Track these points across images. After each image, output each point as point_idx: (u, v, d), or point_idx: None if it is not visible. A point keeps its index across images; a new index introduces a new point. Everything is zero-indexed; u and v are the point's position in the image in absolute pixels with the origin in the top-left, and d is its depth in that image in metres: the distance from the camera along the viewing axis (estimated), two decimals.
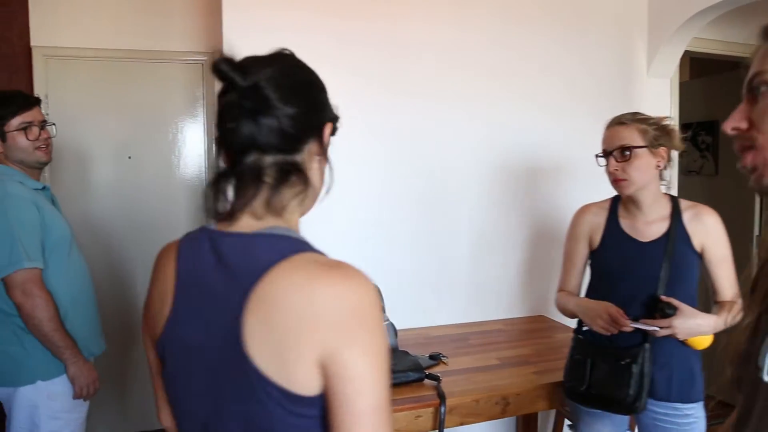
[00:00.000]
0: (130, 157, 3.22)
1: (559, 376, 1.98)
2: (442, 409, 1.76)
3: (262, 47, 2.34)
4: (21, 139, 1.86)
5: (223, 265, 0.82)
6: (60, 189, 3.13)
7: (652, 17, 2.87)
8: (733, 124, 0.74)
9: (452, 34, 2.56)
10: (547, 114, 2.72)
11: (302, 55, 2.52)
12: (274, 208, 0.85)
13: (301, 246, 0.82)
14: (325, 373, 0.75)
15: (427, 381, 1.91)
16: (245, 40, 2.25)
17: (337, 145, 2.46)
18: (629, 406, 1.65)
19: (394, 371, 1.87)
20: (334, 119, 0.93)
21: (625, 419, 1.82)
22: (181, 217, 3.30)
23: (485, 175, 2.65)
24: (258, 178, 0.84)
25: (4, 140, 1.86)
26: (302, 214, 0.92)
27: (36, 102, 1.95)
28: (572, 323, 2.63)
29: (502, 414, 1.93)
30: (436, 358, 2.11)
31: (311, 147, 0.89)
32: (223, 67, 0.82)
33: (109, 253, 3.22)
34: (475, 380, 1.96)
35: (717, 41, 3.20)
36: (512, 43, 2.66)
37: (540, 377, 1.98)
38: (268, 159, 0.84)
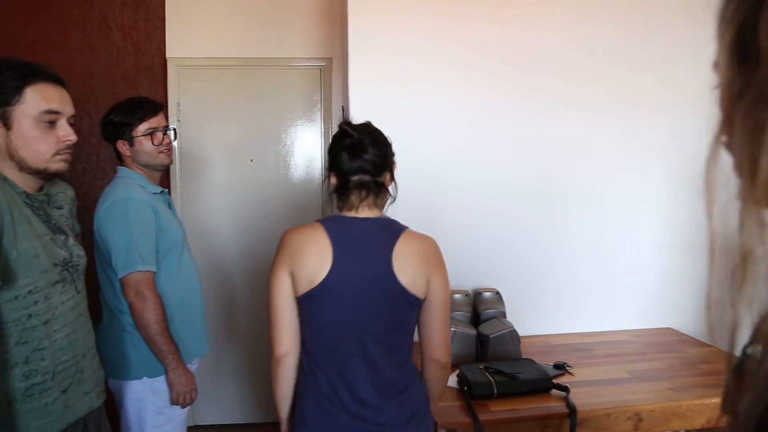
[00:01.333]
0: (252, 160, 3.39)
1: (697, 394, 1.86)
2: (573, 421, 1.70)
3: (385, 51, 2.37)
4: (147, 144, 1.95)
5: (365, 234, 1.47)
6: (187, 191, 3.36)
7: None
8: None
9: (579, 44, 2.47)
10: (672, 117, 2.56)
11: (424, 59, 2.54)
12: (378, 206, 1.52)
13: (403, 225, 1.54)
14: (429, 285, 1.46)
15: (554, 391, 1.85)
16: (369, 45, 2.32)
17: (460, 151, 2.40)
18: None
19: (520, 379, 1.83)
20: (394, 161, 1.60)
21: None
22: (294, 218, 3.43)
23: (613, 182, 2.53)
24: (367, 189, 1.48)
25: (131, 144, 1.95)
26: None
27: (160, 108, 2.04)
28: (705, 337, 2.47)
29: (633, 430, 1.83)
30: (561, 368, 2.05)
31: (386, 174, 1.53)
32: (345, 126, 1.52)
33: (228, 253, 3.40)
34: (605, 393, 1.87)
35: None
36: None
37: (678, 394, 1.86)
38: (366, 178, 1.47)
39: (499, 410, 1.74)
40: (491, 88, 2.44)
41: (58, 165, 1.38)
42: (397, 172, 2.30)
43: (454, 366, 1.98)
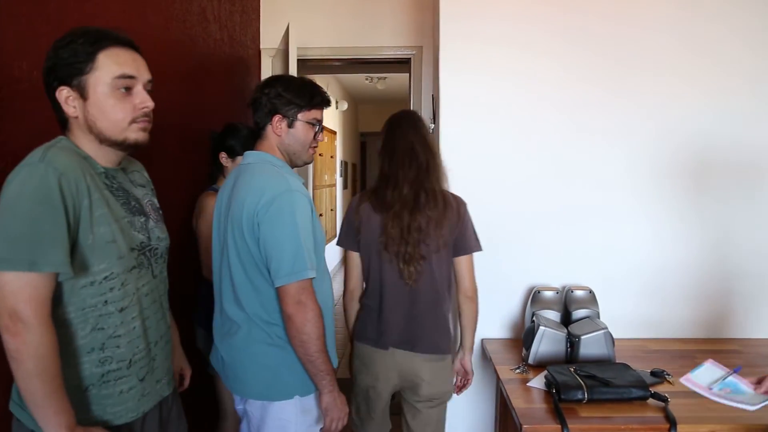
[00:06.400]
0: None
1: None
2: None
3: (477, 36, 2.30)
4: (307, 133, 1.72)
5: None
6: None
7: None
8: None
9: (677, 38, 2.27)
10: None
11: (516, 44, 2.43)
12: None
13: None
14: None
15: (651, 401, 1.72)
16: (461, 29, 2.25)
17: (554, 141, 2.28)
18: None
19: (614, 385, 1.71)
20: None
21: None
22: None
23: (711, 177, 2.31)
24: None
25: (290, 126, 1.70)
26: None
27: (329, 105, 1.82)
28: None
29: None
30: (659, 376, 1.90)
31: None
32: None
33: None
34: (710, 407, 1.72)
35: None
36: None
37: None
38: None
39: (589, 417, 1.64)
40: (586, 76, 2.28)
41: (137, 134, 1.29)
42: (491, 160, 2.24)
43: (542, 367, 1.90)
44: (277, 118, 1.68)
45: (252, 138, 2.20)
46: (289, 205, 1.55)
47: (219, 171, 2.37)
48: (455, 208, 1.96)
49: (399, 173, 1.93)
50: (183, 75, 2.41)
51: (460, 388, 2.13)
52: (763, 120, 2.29)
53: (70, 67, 1.21)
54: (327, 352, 1.60)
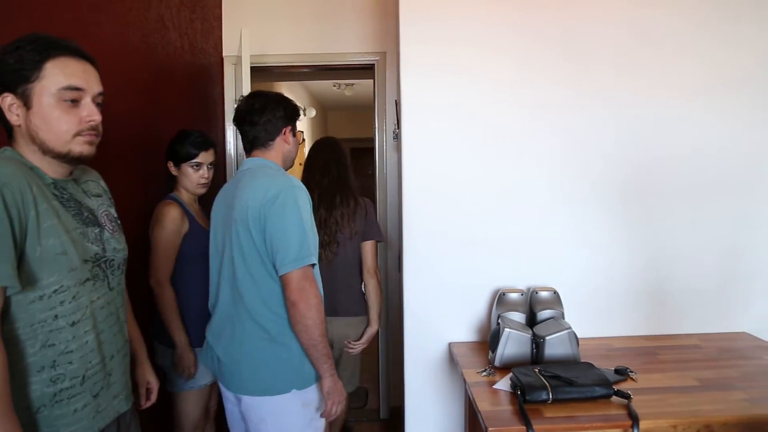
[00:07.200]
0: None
1: None
2: (635, 431, 1.59)
3: (437, 38, 2.30)
4: (298, 140, 1.97)
5: None
6: None
7: None
8: None
9: (635, 35, 2.31)
10: (721, 120, 2.36)
11: (476, 46, 2.42)
12: None
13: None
14: None
15: (615, 398, 1.74)
16: (422, 32, 2.25)
17: (518, 143, 2.29)
18: None
19: (578, 384, 1.73)
20: None
21: None
22: None
23: (671, 177, 2.35)
24: None
25: (293, 135, 1.93)
26: None
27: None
28: None
29: None
30: (622, 373, 1.93)
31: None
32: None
33: None
34: (672, 402, 1.75)
35: None
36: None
37: (754, 406, 1.71)
38: None
39: (554, 417, 1.65)
40: (549, 77, 2.31)
41: (81, 147, 1.25)
42: (455, 163, 2.25)
43: (508, 369, 1.91)
44: (288, 128, 1.89)
45: (204, 142, 2.24)
46: (293, 198, 1.67)
47: (173, 179, 2.30)
48: (363, 206, 2.59)
49: (311, 182, 2.57)
50: (141, 83, 2.37)
51: (349, 350, 2.63)
52: (717, 125, 2.35)
53: (16, 74, 1.19)
54: (327, 339, 1.69)
